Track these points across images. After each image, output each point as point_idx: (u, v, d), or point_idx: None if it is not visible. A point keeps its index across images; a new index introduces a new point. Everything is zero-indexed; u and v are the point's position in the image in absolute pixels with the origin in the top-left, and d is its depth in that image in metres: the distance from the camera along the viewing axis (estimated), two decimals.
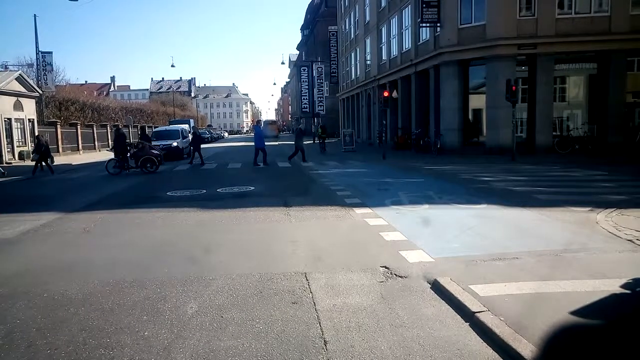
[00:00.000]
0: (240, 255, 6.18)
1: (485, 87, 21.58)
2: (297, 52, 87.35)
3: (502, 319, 3.72)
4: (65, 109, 36.72)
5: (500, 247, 5.92)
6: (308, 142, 36.10)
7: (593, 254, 5.59)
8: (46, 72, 33.39)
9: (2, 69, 33.00)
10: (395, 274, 5.11)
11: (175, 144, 24.60)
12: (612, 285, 4.43)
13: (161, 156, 18.78)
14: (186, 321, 4.05)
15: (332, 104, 54.09)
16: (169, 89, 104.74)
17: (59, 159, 27.77)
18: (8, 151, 25.99)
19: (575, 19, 20.14)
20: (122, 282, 5.10)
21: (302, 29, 79.71)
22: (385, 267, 5.32)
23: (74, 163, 24.33)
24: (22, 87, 27.18)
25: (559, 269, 5.05)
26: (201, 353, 3.48)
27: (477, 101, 22.80)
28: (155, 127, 40.25)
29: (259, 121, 26.07)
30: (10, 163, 25.32)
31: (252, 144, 20.11)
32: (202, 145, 22.71)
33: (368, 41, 36.54)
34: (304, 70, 60.05)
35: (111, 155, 18.85)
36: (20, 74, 27.51)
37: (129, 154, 18.18)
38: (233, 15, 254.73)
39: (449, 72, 22.41)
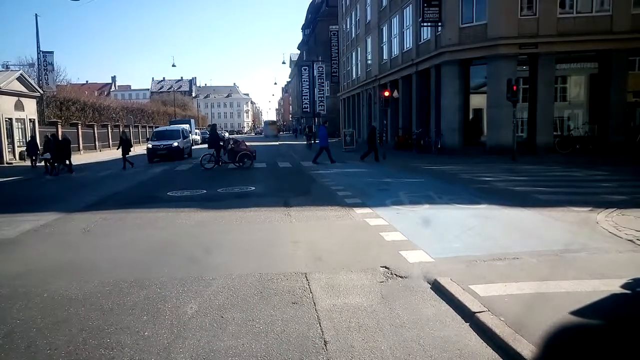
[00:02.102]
0: (240, 256, 6.18)
1: (486, 87, 21.56)
2: (298, 51, 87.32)
3: (502, 319, 3.71)
4: (66, 108, 36.75)
5: (501, 247, 5.92)
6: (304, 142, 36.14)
7: (593, 254, 5.58)
8: (47, 72, 33.42)
9: (3, 69, 33.05)
10: (395, 274, 5.10)
11: (175, 144, 24.63)
12: (612, 285, 4.42)
13: (255, 152, 19.44)
14: (186, 321, 4.05)
15: (332, 104, 54.05)
16: (169, 88, 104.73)
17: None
18: (9, 151, 26.01)
19: (577, 18, 20.12)
20: (122, 282, 5.10)
21: (303, 28, 79.71)
22: (386, 267, 5.31)
23: (74, 163, 24.28)
24: (23, 87, 27.18)
25: (559, 269, 5.04)
26: (201, 353, 3.48)
27: (478, 101, 22.79)
28: (156, 127, 40.21)
29: (325, 121, 26.16)
30: (11, 163, 25.36)
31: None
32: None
33: (369, 40, 36.51)
34: (305, 69, 60.00)
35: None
36: (21, 74, 27.51)
37: (224, 150, 19.15)
38: (234, 14, 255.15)
39: (450, 72, 22.39)
